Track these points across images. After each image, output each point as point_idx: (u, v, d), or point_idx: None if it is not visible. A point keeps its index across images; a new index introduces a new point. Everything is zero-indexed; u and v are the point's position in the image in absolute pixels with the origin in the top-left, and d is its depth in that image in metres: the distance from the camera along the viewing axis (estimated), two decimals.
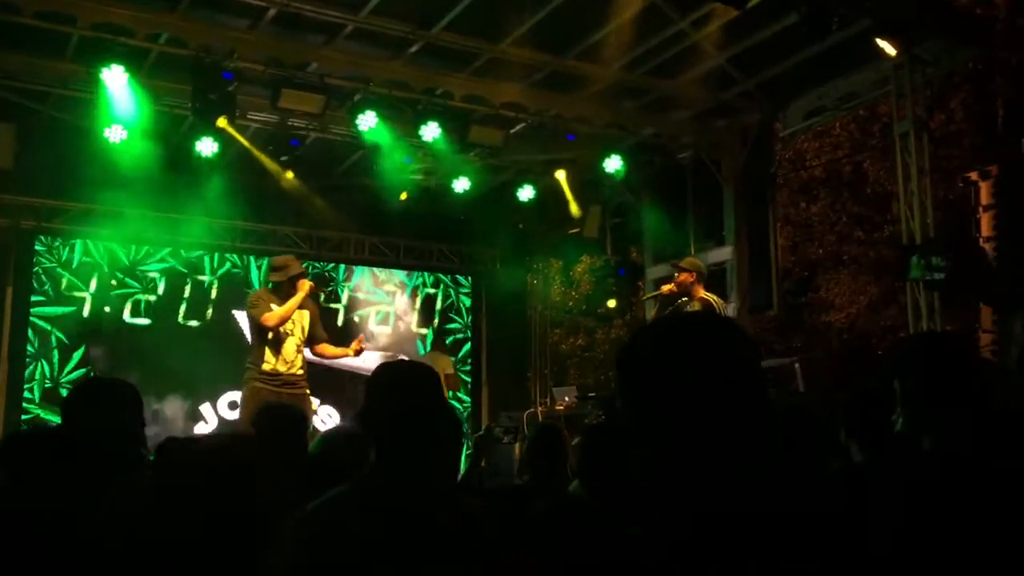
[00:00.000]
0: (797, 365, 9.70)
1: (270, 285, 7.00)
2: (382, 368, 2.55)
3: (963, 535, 1.36)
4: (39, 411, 9.77)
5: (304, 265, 7.48)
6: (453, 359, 11.49)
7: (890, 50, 7.63)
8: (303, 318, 6.82)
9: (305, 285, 6.75)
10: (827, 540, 1.16)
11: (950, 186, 13.31)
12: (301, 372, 6.74)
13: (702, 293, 7.42)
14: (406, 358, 11.73)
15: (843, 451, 2.86)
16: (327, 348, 7.13)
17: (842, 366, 14.26)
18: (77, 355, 10.03)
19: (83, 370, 9.94)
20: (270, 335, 6.57)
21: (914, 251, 7.51)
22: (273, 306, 6.65)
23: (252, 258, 11.20)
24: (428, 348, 12.02)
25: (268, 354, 6.56)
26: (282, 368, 6.59)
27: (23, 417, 9.62)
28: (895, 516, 1.37)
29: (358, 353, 7.11)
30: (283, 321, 6.59)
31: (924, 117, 8.27)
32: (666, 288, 7.66)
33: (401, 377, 2.45)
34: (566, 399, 9.93)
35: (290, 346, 6.66)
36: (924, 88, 8.31)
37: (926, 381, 1.90)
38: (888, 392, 2.06)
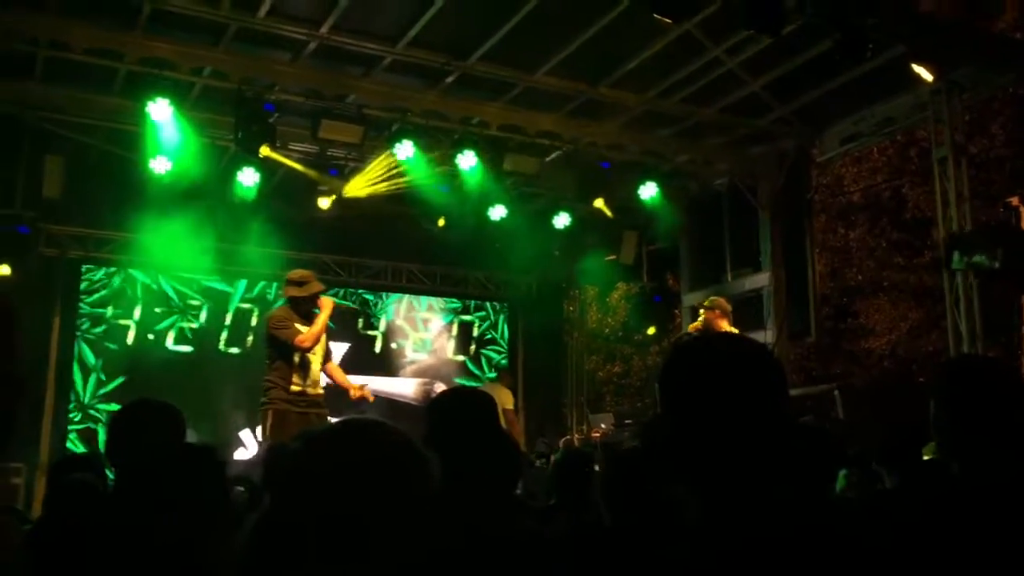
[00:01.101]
0: (837, 392, 9.60)
1: (283, 301, 6.65)
2: (441, 396, 2.59)
3: (978, 562, 1.37)
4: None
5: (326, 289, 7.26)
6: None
7: (927, 76, 7.60)
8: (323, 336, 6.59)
9: (328, 303, 6.51)
10: (847, 564, 1.18)
11: (992, 211, 13.15)
12: (322, 391, 6.58)
13: (725, 328, 7.58)
14: (441, 384, 11.79)
15: (876, 477, 2.84)
16: (336, 371, 6.95)
17: (883, 393, 14.07)
18: (120, 381, 10.20)
19: (126, 396, 10.10)
20: (297, 356, 6.35)
21: (957, 245, 7.45)
22: (299, 326, 6.36)
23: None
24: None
25: (296, 375, 6.34)
26: (310, 389, 6.41)
27: (67, 445, 9.80)
28: (912, 541, 1.38)
29: (356, 399, 6.79)
30: (317, 341, 6.40)
31: (963, 142, 8.21)
32: (692, 327, 7.93)
33: (456, 404, 2.48)
34: (602, 426, 9.91)
35: (316, 366, 6.48)
36: (962, 113, 8.26)
37: (957, 405, 1.89)
38: (924, 419, 2.06)
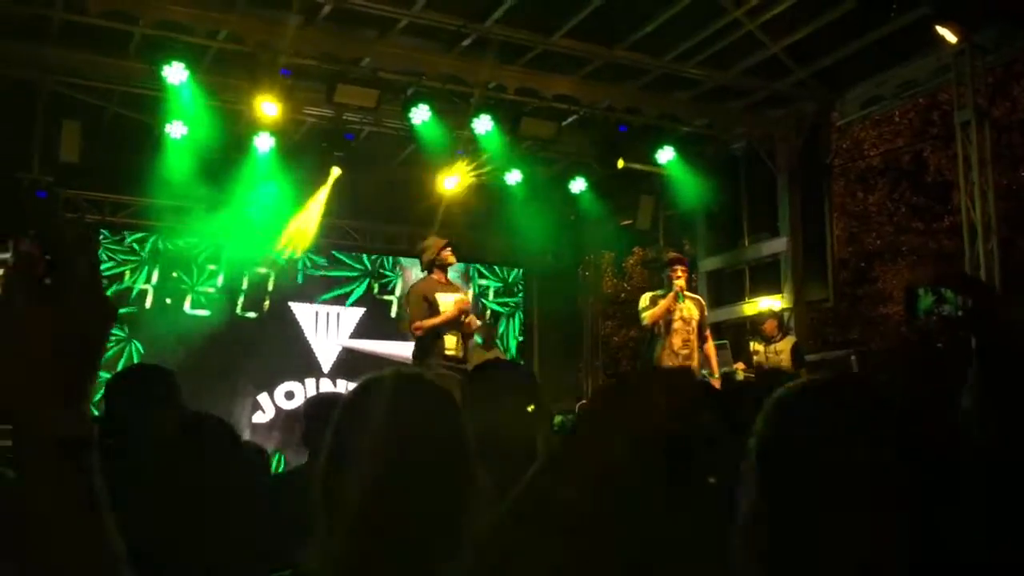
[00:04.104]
0: (853, 357, 9.58)
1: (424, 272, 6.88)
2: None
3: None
4: None
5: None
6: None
7: (950, 37, 7.48)
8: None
9: (458, 303, 6.53)
10: None
11: (1014, 175, 13.01)
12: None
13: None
14: None
15: None
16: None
17: (900, 358, 14.01)
18: (139, 346, 10.27)
19: (145, 360, 10.17)
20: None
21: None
22: (439, 295, 6.51)
23: (308, 250, 11.35)
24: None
25: (447, 341, 6.47)
26: (456, 353, 6.55)
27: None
28: None
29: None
30: (427, 332, 6.45)
31: (985, 105, 8.08)
32: (681, 284, 7.34)
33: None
34: None
35: (451, 340, 6.54)
36: (985, 76, 8.13)
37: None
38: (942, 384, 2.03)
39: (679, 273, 7.26)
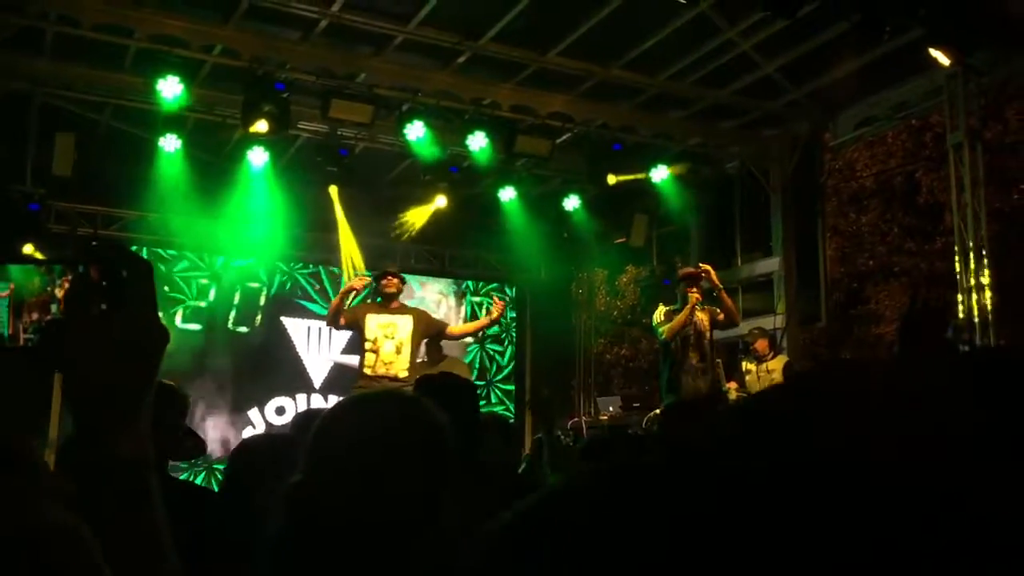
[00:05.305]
0: None
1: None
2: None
3: None
4: None
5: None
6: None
7: (943, 60, 7.52)
8: (394, 323, 7.10)
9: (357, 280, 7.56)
10: None
11: (1007, 197, 13.02)
12: (404, 373, 6.92)
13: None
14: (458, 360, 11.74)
15: None
16: (455, 329, 7.92)
17: None
18: None
19: None
20: (364, 342, 7.00)
21: None
22: (372, 310, 7.21)
23: (300, 266, 11.33)
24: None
25: (367, 358, 6.96)
26: (381, 370, 6.92)
27: None
28: None
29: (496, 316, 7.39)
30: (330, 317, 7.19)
31: (978, 127, 8.13)
32: (698, 297, 7.14)
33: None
34: (610, 409, 9.88)
35: (384, 355, 6.95)
36: (978, 98, 8.18)
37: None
38: None
39: (695, 288, 7.18)
